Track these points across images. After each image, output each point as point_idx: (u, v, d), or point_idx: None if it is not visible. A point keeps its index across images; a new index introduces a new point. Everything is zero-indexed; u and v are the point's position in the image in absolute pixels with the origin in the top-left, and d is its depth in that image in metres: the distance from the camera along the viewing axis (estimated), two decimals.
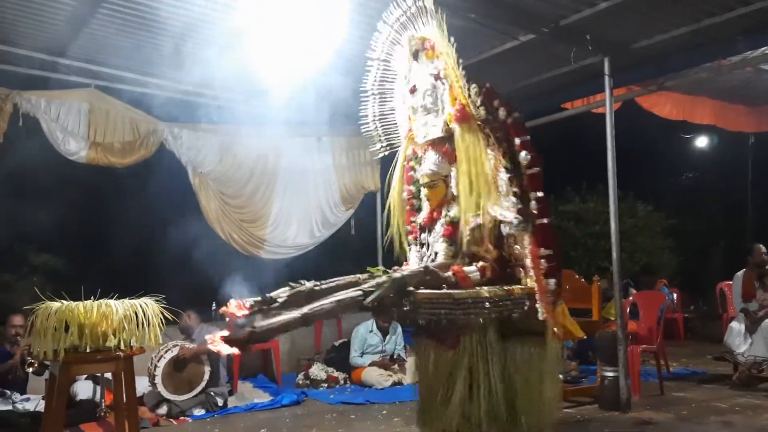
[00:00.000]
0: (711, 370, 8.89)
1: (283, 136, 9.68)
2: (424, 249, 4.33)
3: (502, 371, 3.88)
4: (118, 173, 8.50)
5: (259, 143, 9.47)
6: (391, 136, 4.73)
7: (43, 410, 5.52)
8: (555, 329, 3.97)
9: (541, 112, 8.75)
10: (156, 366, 7.15)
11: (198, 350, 7.36)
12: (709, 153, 14.59)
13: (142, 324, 4.59)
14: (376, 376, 8.49)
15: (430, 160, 4.24)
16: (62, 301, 4.50)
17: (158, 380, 7.12)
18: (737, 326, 8.05)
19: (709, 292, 11.78)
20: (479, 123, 4.02)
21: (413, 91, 4.39)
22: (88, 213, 8.94)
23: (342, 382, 8.72)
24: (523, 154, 3.83)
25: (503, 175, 3.94)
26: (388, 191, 4.70)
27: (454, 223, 4.10)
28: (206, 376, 7.34)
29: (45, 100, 7.68)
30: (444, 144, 4.25)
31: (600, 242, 12.07)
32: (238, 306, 3.73)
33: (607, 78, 7.04)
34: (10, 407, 6.70)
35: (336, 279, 4.17)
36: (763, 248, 8.52)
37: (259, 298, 3.77)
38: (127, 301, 4.62)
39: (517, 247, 3.97)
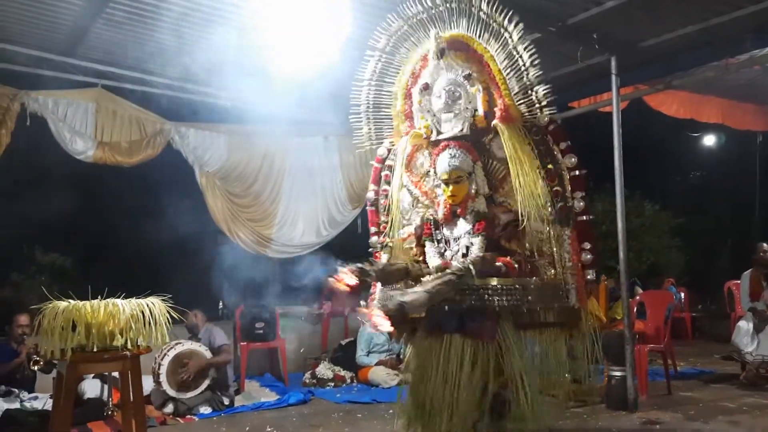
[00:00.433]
0: (719, 369, 8.85)
1: (289, 135, 9.70)
2: (442, 245, 4.32)
3: (518, 365, 3.95)
4: (125, 173, 8.52)
5: (266, 142, 9.49)
6: (381, 129, 4.72)
7: (50, 409, 5.54)
8: (588, 318, 4.19)
9: None
10: (160, 364, 7.15)
11: (207, 365, 7.33)
12: (716, 152, 14.54)
13: (149, 323, 4.59)
14: (382, 375, 8.49)
15: (452, 156, 4.23)
16: (69, 300, 4.51)
17: (162, 378, 7.13)
18: (745, 325, 8.01)
19: (716, 291, 11.75)
20: (522, 125, 4.18)
21: (426, 88, 4.38)
22: (95, 212, 8.96)
23: (349, 381, 8.72)
24: (568, 158, 4.13)
25: (539, 175, 4.15)
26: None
27: (485, 218, 4.17)
28: (210, 373, 7.33)
29: (52, 100, 7.70)
30: (466, 142, 4.28)
31: (607, 241, 11.98)
32: (349, 274, 3.92)
33: (614, 77, 7.02)
34: (18, 406, 6.72)
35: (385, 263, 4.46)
36: (765, 246, 8.50)
37: (360, 268, 4.00)
38: (133, 301, 4.62)
39: (548, 243, 4.16)
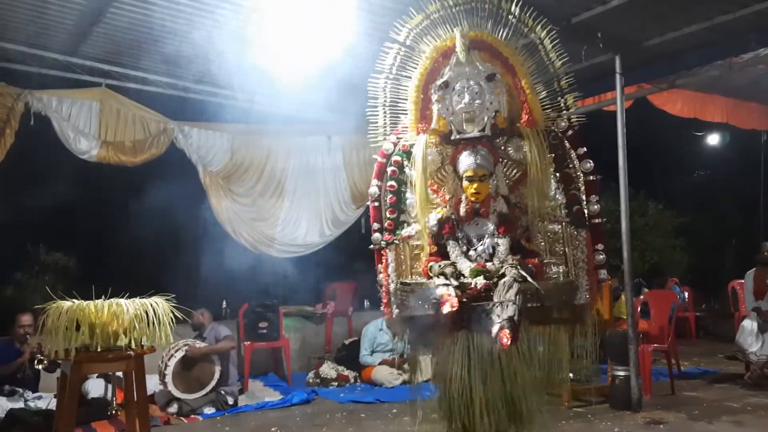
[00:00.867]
0: (723, 369, 8.84)
1: (293, 134, 9.71)
2: (464, 244, 4.31)
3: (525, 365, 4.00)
4: (128, 172, 8.52)
5: (269, 142, 9.50)
6: (397, 125, 4.68)
7: (54, 408, 5.55)
8: (595, 316, 4.27)
9: None
10: (166, 365, 7.16)
11: (207, 351, 7.37)
12: (720, 151, 14.48)
13: (153, 323, 4.59)
14: (386, 375, 8.49)
15: (477, 154, 4.21)
16: (73, 300, 4.51)
17: (168, 379, 7.14)
18: (749, 325, 7.99)
19: (720, 291, 11.73)
20: (543, 130, 4.20)
21: (446, 86, 4.32)
22: (98, 212, 8.96)
23: (352, 380, 8.72)
24: (584, 162, 4.21)
25: (553, 178, 4.24)
26: None
27: (507, 219, 4.20)
28: (216, 375, 7.36)
29: (56, 99, 7.72)
30: (486, 142, 4.27)
31: (611, 241, 11.95)
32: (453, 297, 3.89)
33: (618, 76, 7.01)
34: (22, 405, 6.73)
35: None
36: None
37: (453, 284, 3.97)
38: (137, 300, 4.62)
39: (559, 243, 4.22)
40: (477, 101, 4.23)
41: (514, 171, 4.35)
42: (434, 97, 4.35)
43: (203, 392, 7.29)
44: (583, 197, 4.22)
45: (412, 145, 4.43)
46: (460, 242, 4.29)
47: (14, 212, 8.82)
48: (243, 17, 6.52)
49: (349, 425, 6.65)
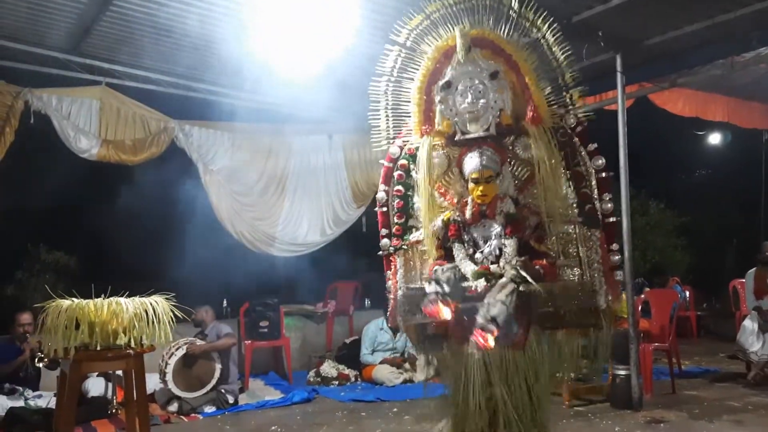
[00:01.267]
0: (724, 368, 8.82)
1: (293, 133, 9.70)
2: (470, 247, 4.24)
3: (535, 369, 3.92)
4: (129, 171, 8.52)
5: (270, 141, 9.50)
6: (400, 127, 4.63)
7: (54, 407, 5.55)
8: (614, 317, 4.13)
9: None
10: (167, 363, 7.16)
11: (207, 348, 7.37)
12: (722, 150, 14.47)
13: (153, 322, 4.59)
14: (386, 374, 8.49)
15: (483, 155, 4.11)
16: (73, 298, 4.51)
17: (169, 377, 7.14)
18: (750, 324, 7.99)
19: (722, 290, 11.71)
20: (551, 127, 4.10)
21: (449, 86, 4.22)
22: (98, 211, 8.95)
23: (353, 379, 8.72)
24: (595, 159, 4.09)
25: (563, 177, 4.13)
26: None
27: (515, 220, 4.09)
28: (217, 374, 7.35)
29: (56, 98, 7.70)
30: (492, 142, 4.17)
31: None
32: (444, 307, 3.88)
33: (619, 75, 7.00)
34: (22, 404, 6.74)
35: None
36: None
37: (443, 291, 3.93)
38: (137, 299, 4.62)
39: (572, 244, 4.12)
40: (481, 100, 4.14)
41: (523, 170, 4.24)
42: (437, 98, 4.27)
43: (204, 391, 7.29)
44: (595, 195, 4.10)
45: (417, 148, 4.35)
46: (466, 245, 4.21)
47: (14, 211, 8.83)
48: (244, 15, 6.51)
49: (349, 424, 6.65)
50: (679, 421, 6.36)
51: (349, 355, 9.23)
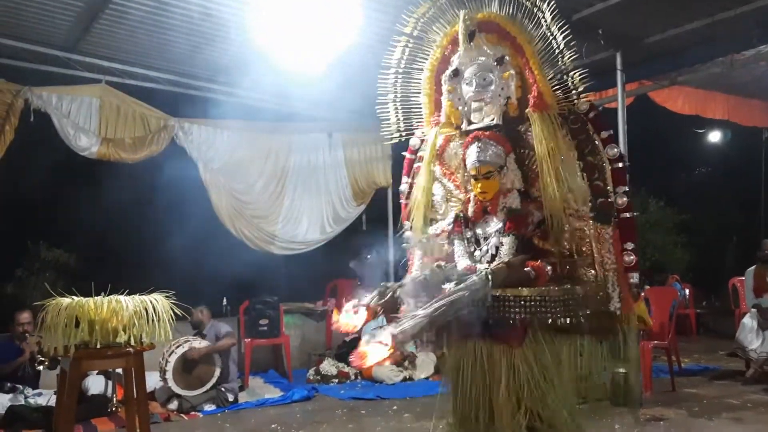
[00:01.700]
0: (723, 366, 8.84)
1: (293, 131, 9.70)
2: (471, 244, 3.98)
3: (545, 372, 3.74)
4: (129, 169, 8.51)
5: (270, 139, 9.49)
6: (410, 120, 4.44)
7: (55, 405, 5.55)
8: (635, 322, 3.92)
9: None
10: (167, 361, 7.16)
11: (208, 350, 7.36)
12: (722, 148, 14.47)
13: (153, 320, 4.59)
14: (386, 372, 8.49)
15: (480, 150, 3.88)
16: (73, 296, 4.51)
17: (169, 376, 7.13)
18: (749, 322, 7.98)
19: (721, 288, 11.70)
20: (558, 113, 3.84)
21: (456, 74, 4.04)
22: (98, 209, 8.94)
23: (353, 377, 8.72)
24: (609, 148, 3.81)
25: (577, 168, 3.83)
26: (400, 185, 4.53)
27: (516, 216, 3.86)
28: (217, 372, 7.35)
29: (56, 96, 7.69)
30: (497, 132, 3.94)
31: None
32: (354, 313, 3.84)
33: (619, 73, 7.02)
34: (22, 402, 6.74)
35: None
36: None
37: (373, 299, 3.87)
38: (137, 297, 4.61)
39: (587, 242, 3.81)
40: (486, 88, 3.94)
41: (536, 161, 3.88)
42: (445, 87, 4.09)
43: (204, 389, 7.29)
44: (610, 188, 3.80)
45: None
46: (467, 242, 4.01)
47: (14, 209, 8.82)
48: (244, 13, 6.51)
49: (349, 422, 6.65)
50: (679, 418, 6.36)
51: (349, 353, 9.17)
